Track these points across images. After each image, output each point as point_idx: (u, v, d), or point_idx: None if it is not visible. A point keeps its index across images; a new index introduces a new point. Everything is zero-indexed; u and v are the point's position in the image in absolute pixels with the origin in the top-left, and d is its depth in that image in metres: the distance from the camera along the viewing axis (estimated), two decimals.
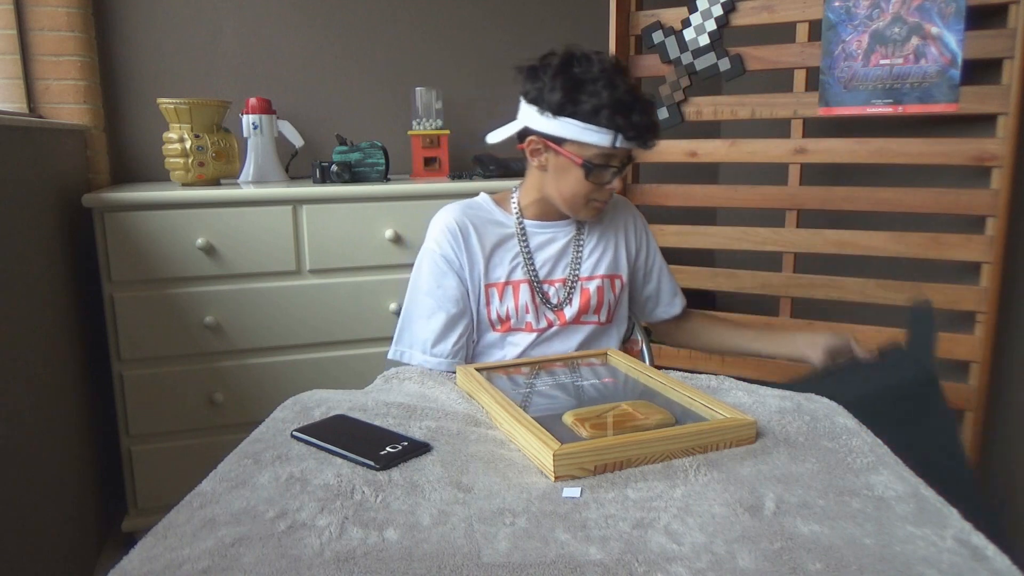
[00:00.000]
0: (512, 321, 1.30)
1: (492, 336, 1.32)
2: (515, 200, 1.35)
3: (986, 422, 1.69)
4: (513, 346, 1.30)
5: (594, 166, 1.20)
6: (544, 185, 1.29)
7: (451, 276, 1.27)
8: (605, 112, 1.17)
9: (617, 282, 1.37)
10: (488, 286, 1.29)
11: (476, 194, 1.40)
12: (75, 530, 1.74)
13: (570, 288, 1.33)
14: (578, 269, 1.34)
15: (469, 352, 1.32)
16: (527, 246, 1.32)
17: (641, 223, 1.45)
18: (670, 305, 1.48)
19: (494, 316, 1.30)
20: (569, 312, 1.32)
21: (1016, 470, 1.71)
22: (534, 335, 1.31)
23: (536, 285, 1.31)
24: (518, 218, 1.33)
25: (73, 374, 1.81)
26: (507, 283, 1.30)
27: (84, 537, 1.81)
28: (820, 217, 1.93)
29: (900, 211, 1.77)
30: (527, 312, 1.30)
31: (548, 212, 1.33)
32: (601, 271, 1.35)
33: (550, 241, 1.34)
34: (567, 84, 1.18)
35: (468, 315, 1.29)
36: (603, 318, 1.36)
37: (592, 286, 1.34)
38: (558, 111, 1.19)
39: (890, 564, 0.62)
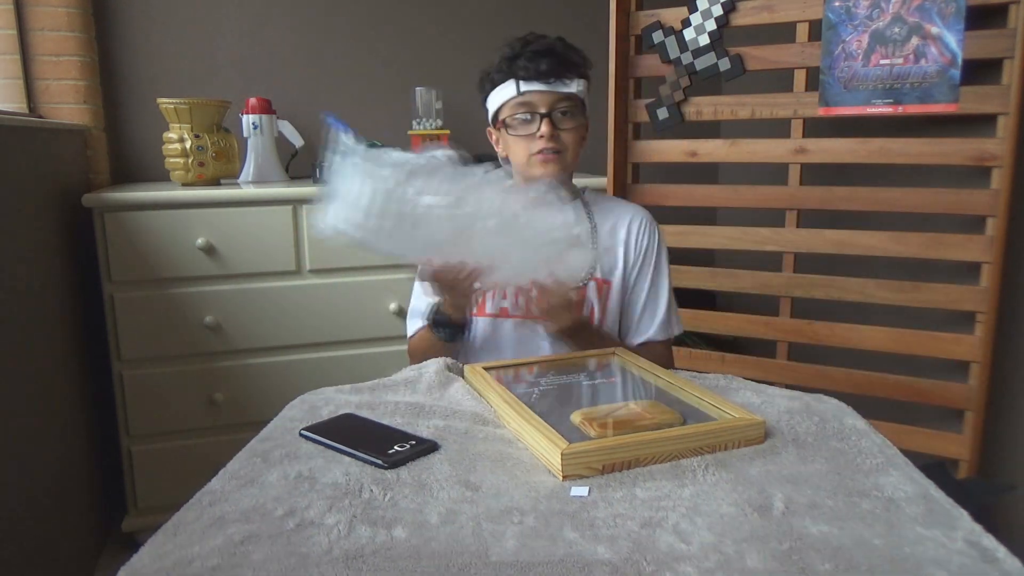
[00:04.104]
0: (487, 306, 1.30)
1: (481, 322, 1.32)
2: None
3: (986, 422, 1.69)
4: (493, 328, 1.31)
5: (513, 120, 1.27)
6: (513, 170, 1.33)
7: None
8: (503, 65, 1.27)
9: (604, 288, 1.32)
10: None
11: None
12: (75, 530, 1.74)
13: None
14: None
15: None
16: None
17: (647, 230, 1.35)
18: (635, 333, 1.36)
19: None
20: None
21: (1016, 470, 1.71)
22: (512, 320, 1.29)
23: None
24: None
25: (73, 374, 1.80)
26: None
27: (84, 537, 1.81)
28: (820, 217, 1.93)
29: (900, 211, 1.77)
30: (504, 297, 1.30)
31: None
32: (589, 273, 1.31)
33: None
34: (489, 69, 1.31)
35: None
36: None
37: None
38: (486, 93, 1.31)
39: (899, 565, 0.62)
